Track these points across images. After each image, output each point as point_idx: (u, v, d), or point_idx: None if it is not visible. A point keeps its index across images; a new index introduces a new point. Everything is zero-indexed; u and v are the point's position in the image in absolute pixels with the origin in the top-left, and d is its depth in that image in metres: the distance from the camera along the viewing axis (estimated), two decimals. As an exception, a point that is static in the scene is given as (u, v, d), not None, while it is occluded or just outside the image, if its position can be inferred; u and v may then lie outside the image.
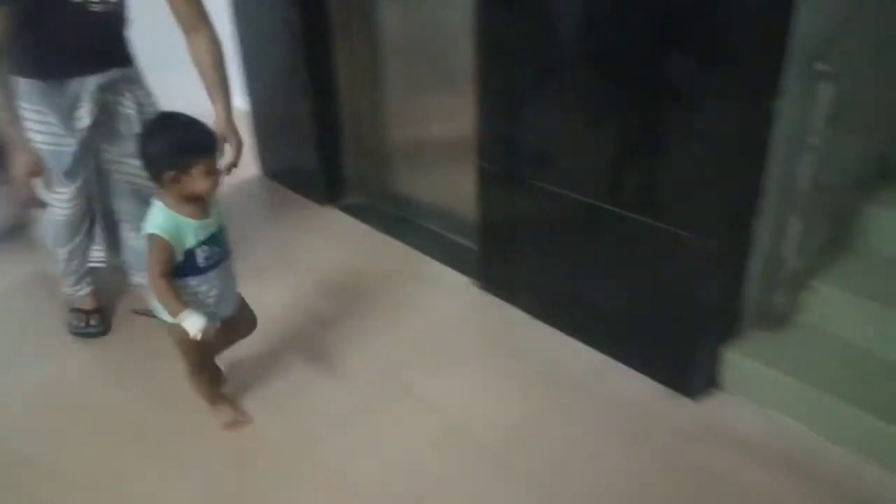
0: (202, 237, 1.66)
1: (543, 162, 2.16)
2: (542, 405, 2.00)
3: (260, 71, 3.40)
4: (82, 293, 2.42)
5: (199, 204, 1.66)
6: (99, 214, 2.39)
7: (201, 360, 1.88)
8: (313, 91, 3.09)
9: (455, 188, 2.62)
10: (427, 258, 2.77)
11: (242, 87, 3.42)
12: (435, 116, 2.85)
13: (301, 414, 1.97)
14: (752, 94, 1.67)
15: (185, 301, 1.63)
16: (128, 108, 2.16)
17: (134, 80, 2.18)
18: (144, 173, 1.68)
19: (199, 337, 1.57)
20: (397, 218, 3.11)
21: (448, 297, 2.53)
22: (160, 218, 1.62)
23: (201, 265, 1.68)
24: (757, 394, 1.95)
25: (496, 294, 2.51)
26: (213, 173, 1.62)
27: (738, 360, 1.97)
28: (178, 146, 1.59)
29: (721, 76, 1.65)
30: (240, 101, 2.94)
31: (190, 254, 1.65)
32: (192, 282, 1.69)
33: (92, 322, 2.41)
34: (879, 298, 1.90)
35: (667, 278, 1.94)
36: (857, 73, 1.83)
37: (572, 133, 2.04)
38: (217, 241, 1.71)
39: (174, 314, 1.60)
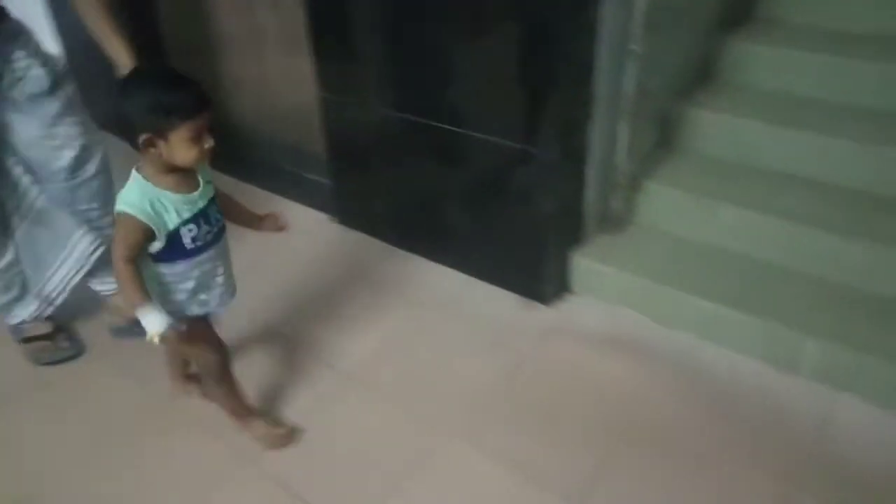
0: (186, 215, 1.39)
1: (382, 88, 2.13)
2: (404, 327, 2.04)
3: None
4: (29, 319, 1.99)
5: (183, 174, 1.39)
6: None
7: (223, 362, 1.61)
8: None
9: (301, 124, 2.54)
10: (284, 199, 2.70)
11: (54, 33, 3.11)
12: (270, 52, 2.73)
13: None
14: (573, 5, 1.71)
15: (174, 295, 1.43)
16: (31, 68, 1.71)
17: (19, 33, 1.71)
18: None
19: (156, 340, 1.33)
20: (246, 160, 2.99)
21: (306, 235, 2.49)
22: (134, 193, 1.35)
23: (188, 247, 1.41)
24: (602, 292, 2.08)
25: (354, 227, 2.50)
26: (199, 140, 1.33)
27: (583, 263, 2.09)
28: (153, 105, 1.29)
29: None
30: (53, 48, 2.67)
31: (174, 234, 1.38)
32: (181, 266, 1.43)
33: (61, 344, 2.01)
34: (703, 192, 2.05)
35: (511, 192, 2.00)
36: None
37: (408, 56, 2.02)
38: (207, 217, 1.43)
39: (135, 307, 1.33)
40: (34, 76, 1.71)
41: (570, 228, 2.10)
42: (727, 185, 2.06)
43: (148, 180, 1.35)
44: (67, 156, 1.81)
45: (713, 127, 2.20)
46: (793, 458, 1.58)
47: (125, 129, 1.32)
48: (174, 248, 1.39)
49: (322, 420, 1.74)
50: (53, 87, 1.74)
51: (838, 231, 1.85)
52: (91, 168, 1.87)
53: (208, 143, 1.34)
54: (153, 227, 1.34)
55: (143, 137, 1.29)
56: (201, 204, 1.41)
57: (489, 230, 2.12)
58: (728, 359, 1.84)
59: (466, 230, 2.18)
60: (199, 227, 1.41)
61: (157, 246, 1.37)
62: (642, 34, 1.85)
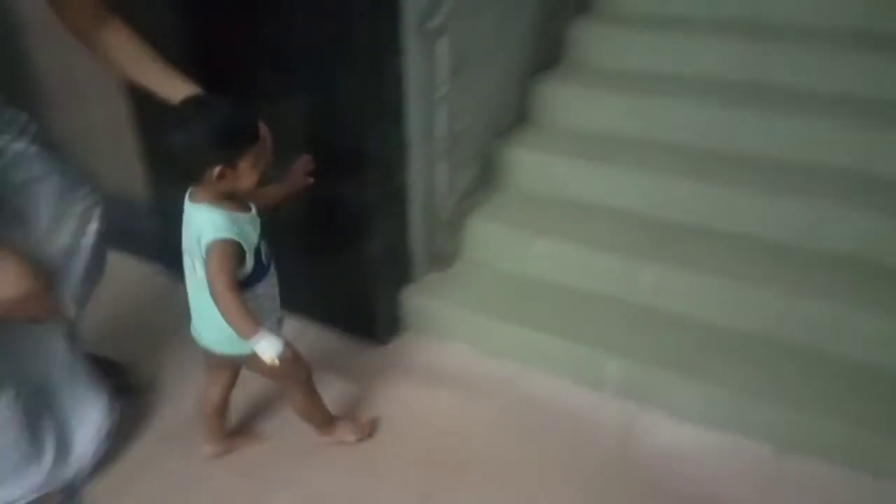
0: (258, 231, 1.42)
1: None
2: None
3: None
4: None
5: (240, 197, 1.39)
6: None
7: (308, 374, 1.64)
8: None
9: (123, 173, 2.46)
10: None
11: None
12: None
13: None
14: (376, 55, 1.79)
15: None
16: (16, 143, 1.37)
17: None
18: None
19: (276, 363, 1.31)
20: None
21: (136, 288, 2.40)
22: (219, 219, 1.32)
23: (265, 263, 1.45)
24: (432, 328, 2.14)
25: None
26: (260, 164, 1.34)
27: (413, 301, 2.15)
28: (225, 136, 1.27)
29: (346, 43, 1.74)
30: None
31: (257, 252, 1.40)
32: (260, 288, 1.44)
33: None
34: (519, 226, 2.18)
35: (338, 235, 2.03)
36: (475, 29, 2.06)
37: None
38: (263, 232, 1.46)
39: (249, 335, 1.30)
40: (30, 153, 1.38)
41: (399, 268, 2.15)
42: (540, 219, 2.20)
43: (220, 206, 1.34)
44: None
45: (527, 164, 2.35)
46: (599, 471, 1.69)
47: (183, 162, 1.31)
48: (255, 269, 1.41)
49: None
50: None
51: (634, 255, 2.02)
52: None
53: (264, 163, 1.35)
54: (245, 248, 1.36)
55: (218, 169, 1.28)
56: (259, 220, 1.44)
57: (319, 273, 2.13)
58: (545, 383, 1.95)
59: (301, 274, 2.17)
60: (265, 242, 1.45)
61: (246, 269, 1.38)
62: (448, 81, 1.96)
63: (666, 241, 2.06)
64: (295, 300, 2.17)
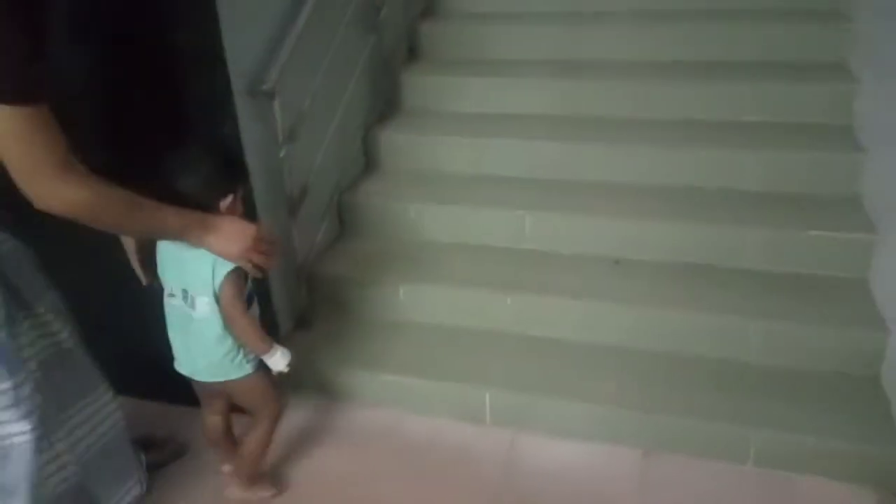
0: None
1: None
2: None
3: None
4: None
5: None
6: None
7: (279, 412, 1.72)
8: None
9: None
10: None
11: None
12: None
13: None
14: (210, 124, 1.76)
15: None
16: None
17: None
18: None
19: (285, 371, 1.51)
20: None
21: None
22: None
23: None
24: (308, 386, 2.09)
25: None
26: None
27: (282, 364, 2.10)
28: (233, 166, 1.51)
29: (178, 116, 1.70)
30: None
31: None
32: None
33: None
34: (383, 273, 2.22)
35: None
36: (309, 87, 2.08)
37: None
38: None
39: (266, 350, 1.50)
40: None
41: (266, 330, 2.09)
42: (400, 264, 2.25)
43: None
44: None
45: (379, 211, 2.39)
46: (487, 498, 1.73)
47: (196, 198, 1.39)
48: (248, 293, 1.52)
49: None
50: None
51: (494, 287, 2.11)
52: None
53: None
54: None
55: (231, 198, 1.44)
56: None
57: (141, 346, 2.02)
58: (427, 424, 1.97)
59: (121, 353, 2.05)
60: None
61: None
62: (287, 141, 1.96)
63: (522, 270, 2.17)
64: (158, 378, 2.05)
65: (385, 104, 2.68)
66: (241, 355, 1.54)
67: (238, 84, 1.79)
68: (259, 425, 1.68)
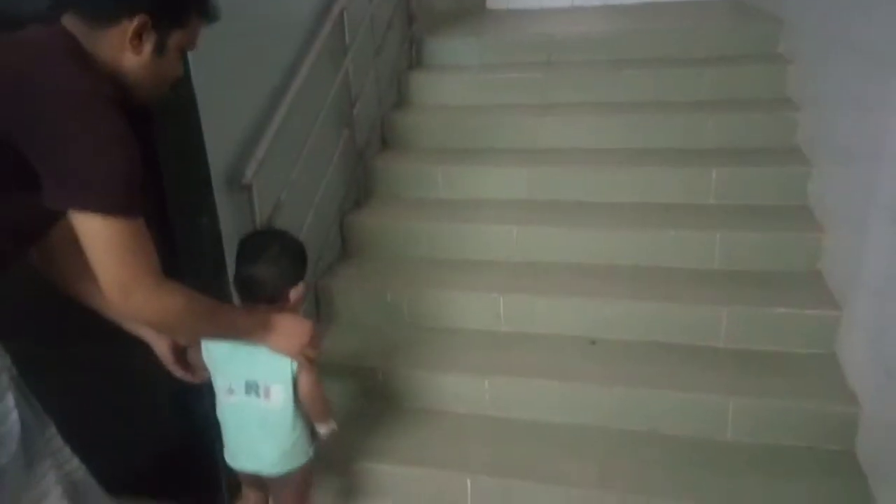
0: None
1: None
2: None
3: None
4: None
5: None
6: None
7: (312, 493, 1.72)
8: None
9: None
10: None
11: None
12: None
13: None
14: (190, 219, 1.79)
15: None
16: None
17: None
18: None
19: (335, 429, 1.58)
20: None
21: None
22: None
23: None
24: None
25: None
26: None
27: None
28: (303, 261, 1.57)
29: (163, 203, 1.72)
30: None
31: None
32: None
33: None
34: (364, 359, 2.21)
35: (158, 405, 1.93)
36: (286, 177, 2.13)
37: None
38: None
39: (327, 419, 1.56)
40: None
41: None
42: (379, 348, 2.25)
43: None
44: None
45: (355, 294, 2.42)
46: None
47: (273, 287, 1.49)
48: None
49: None
50: None
51: (471, 370, 2.12)
52: None
53: None
54: None
55: (300, 287, 1.53)
56: None
57: (149, 449, 1.98)
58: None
59: (129, 453, 2.00)
60: None
61: None
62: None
63: (499, 353, 2.19)
64: (139, 482, 1.98)
65: (359, 192, 2.75)
66: (306, 441, 1.57)
67: (217, 179, 1.84)
68: (298, 493, 1.67)
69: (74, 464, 1.35)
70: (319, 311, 2.43)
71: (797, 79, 2.69)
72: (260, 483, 1.65)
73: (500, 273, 2.40)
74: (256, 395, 1.50)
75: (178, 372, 1.54)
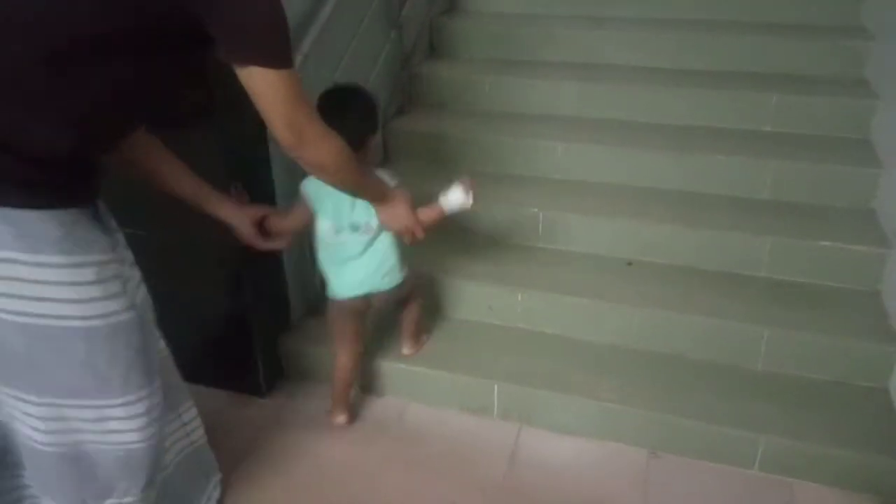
0: None
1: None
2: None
3: None
4: None
5: None
6: None
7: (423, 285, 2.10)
8: None
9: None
10: None
11: None
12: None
13: None
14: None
15: None
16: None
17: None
18: None
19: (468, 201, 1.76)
20: None
21: None
22: None
23: None
24: (313, 373, 2.12)
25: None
26: None
27: (292, 348, 2.13)
28: (375, 109, 1.74)
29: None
30: None
31: None
32: None
33: None
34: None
35: (210, 293, 1.98)
36: (330, 79, 2.10)
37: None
38: None
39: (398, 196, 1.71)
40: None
41: (276, 316, 2.12)
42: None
43: None
44: None
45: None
46: (490, 492, 1.75)
47: (355, 133, 1.56)
48: None
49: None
50: None
51: (505, 283, 2.12)
52: None
53: None
54: None
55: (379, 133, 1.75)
56: None
57: (192, 330, 2.05)
58: (433, 416, 1.99)
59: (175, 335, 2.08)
60: None
61: None
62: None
63: (534, 268, 2.19)
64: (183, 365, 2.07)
65: (404, 98, 2.70)
66: (403, 257, 1.84)
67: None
68: (415, 302, 2.00)
69: (162, 343, 1.49)
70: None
71: (874, 4, 2.52)
72: (361, 312, 1.87)
73: (542, 189, 2.37)
74: (361, 232, 1.74)
75: (261, 244, 1.71)
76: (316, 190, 1.72)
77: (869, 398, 1.83)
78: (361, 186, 1.55)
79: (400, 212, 1.67)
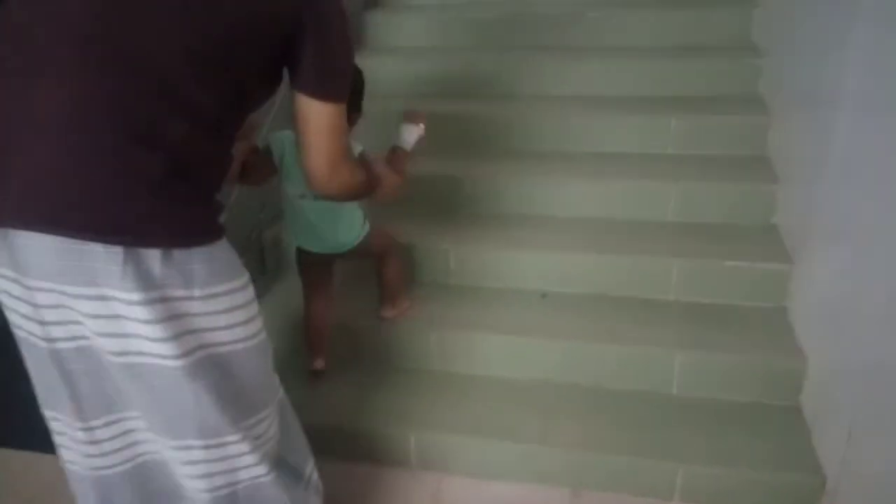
0: None
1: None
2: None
3: None
4: None
5: None
6: None
7: (401, 246, 2.15)
8: None
9: None
10: None
11: None
12: None
13: None
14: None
15: None
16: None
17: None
18: None
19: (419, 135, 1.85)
20: None
21: None
22: None
23: None
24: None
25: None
26: None
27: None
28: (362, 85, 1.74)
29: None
30: None
31: None
32: None
33: None
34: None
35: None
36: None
37: None
38: None
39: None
40: None
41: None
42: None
43: None
44: None
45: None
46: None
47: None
48: None
49: None
50: None
51: (418, 322, 2.06)
52: None
53: None
54: None
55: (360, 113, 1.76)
56: None
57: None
58: (349, 470, 1.89)
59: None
60: None
61: None
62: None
63: (447, 305, 2.14)
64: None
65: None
66: (364, 217, 1.89)
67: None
68: (391, 261, 2.03)
69: None
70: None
71: (763, 23, 2.60)
72: (328, 263, 1.94)
73: (451, 225, 2.33)
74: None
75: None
76: (281, 156, 1.74)
77: (783, 416, 1.84)
78: (364, 196, 1.59)
79: (390, 183, 1.70)
